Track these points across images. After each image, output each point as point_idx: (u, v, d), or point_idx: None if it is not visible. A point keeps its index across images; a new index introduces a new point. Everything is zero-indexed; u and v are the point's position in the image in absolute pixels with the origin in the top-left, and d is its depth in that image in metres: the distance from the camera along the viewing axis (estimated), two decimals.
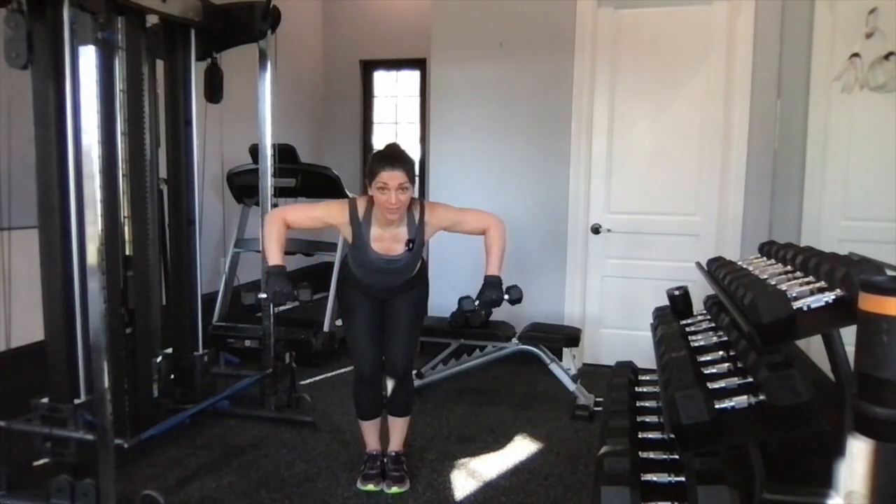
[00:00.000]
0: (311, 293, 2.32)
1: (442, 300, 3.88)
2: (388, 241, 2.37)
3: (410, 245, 2.38)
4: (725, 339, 1.75)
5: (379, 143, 5.75)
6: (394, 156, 2.28)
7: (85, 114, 2.10)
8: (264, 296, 2.28)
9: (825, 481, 1.29)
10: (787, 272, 1.73)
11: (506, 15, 3.97)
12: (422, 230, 2.39)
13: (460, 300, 2.44)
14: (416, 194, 2.46)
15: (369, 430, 2.61)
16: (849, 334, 1.28)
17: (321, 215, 2.40)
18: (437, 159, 4.23)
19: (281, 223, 2.32)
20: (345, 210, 2.36)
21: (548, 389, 3.60)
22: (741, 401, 1.35)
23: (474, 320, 2.45)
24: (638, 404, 1.92)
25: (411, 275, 2.52)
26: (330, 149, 5.90)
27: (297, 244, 4.23)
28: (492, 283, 2.40)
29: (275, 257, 2.29)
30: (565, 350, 3.49)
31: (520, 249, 4.09)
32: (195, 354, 2.92)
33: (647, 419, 1.80)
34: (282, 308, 3.64)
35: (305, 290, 2.32)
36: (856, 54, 3.29)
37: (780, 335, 1.36)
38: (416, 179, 2.40)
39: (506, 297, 2.42)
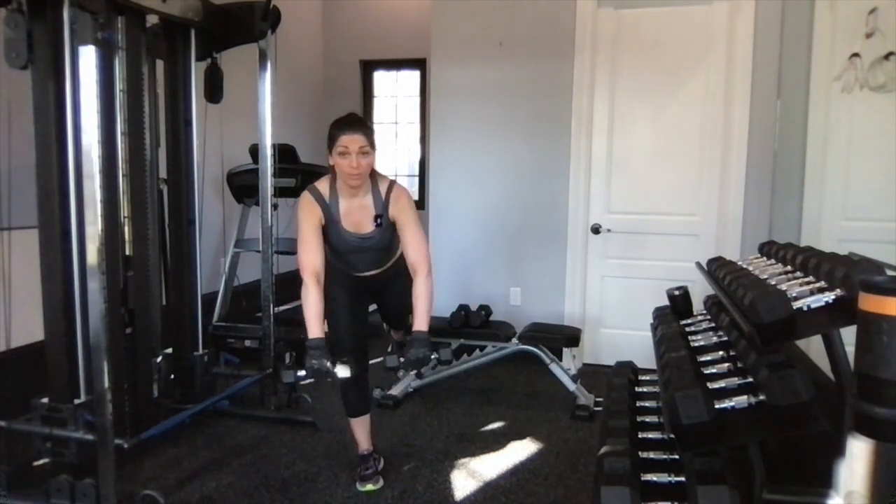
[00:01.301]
0: (349, 369, 2.22)
1: (442, 301, 3.88)
2: (356, 212, 2.35)
3: (378, 220, 2.36)
4: (725, 339, 1.75)
5: (378, 143, 5.74)
6: (352, 120, 2.28)
7: (85, 114, 2.10)
8: (303, 373, 2.21)
9: (825, 481, 1.29)
10: (787, 272, 1.73)
11: (506, 15, 3.97)
12: (387, 205, 2.36)
13: (384, 357, 2.32)
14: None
15: (359, 428, 2.61)
16: (849, 334, 1.28)
17: (310, 224, 2.32)
18: (437, 159, 4.23)
19: (313, 285, 2.25)
20: (311, 200, 2.33)
21: (548, 389, 3.60)
22: (741, 401, 1.35)
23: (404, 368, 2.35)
24: (638, 404, 1.92)
25: (393, 256, 2.51)
26: None
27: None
28: (420, 340, 2.27)
29: (314, 330, 2.23)
30: (565, 350, 3.49)
31: (520, 250, 4.10)
32: (195, 354, 2.92)
33: (647, 419, 1.80)
34: (282, 308, 3.63)
35: (344, 366, 2.22)
36: (856, 54, 3.28)
37: (780, 335, 1.36)
38: (377, 147, 2.35)
39: (434, 356, 2.32)
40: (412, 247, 2.37)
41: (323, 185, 2.37)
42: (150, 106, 2.59)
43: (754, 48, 3.58)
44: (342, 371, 2.23)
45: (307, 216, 2.34)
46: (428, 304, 2.34)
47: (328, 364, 2.19)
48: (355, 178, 2.26)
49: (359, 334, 2.54)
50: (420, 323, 2.32)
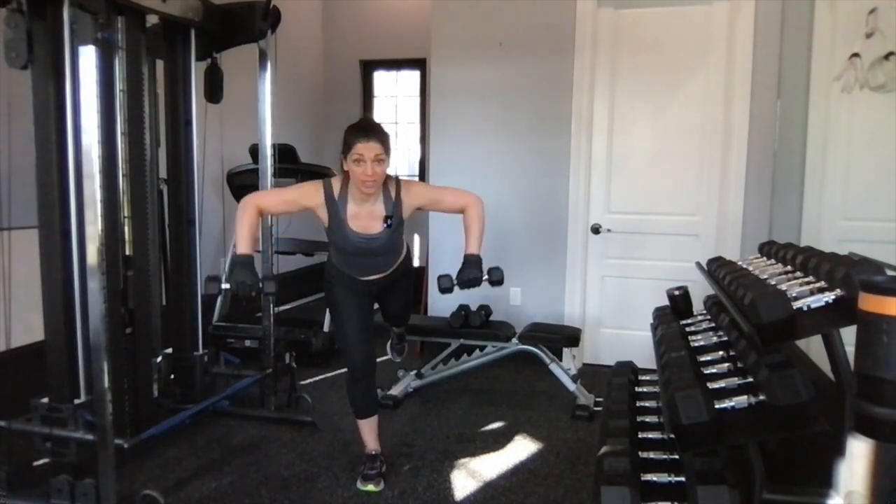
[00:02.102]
0: (275, 285, 2.27)
1: (442, 301, 3.88)
2: (365, 218, 2.35)
3: (388, 221, 2.36)
4: (725, 339, 1.75)
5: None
6: (369, 127, 2.27)
7: (85, 114, 2.10)
8: (227, 286, 2.24)
9: (825, 481, 1.29)
10: (787, 272, 1.73)
11: (506, 15, 3.97)
12: (399, 207, 2.38)
13: (438, 278, 2.42)
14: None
15: (367, 429, 2.61)
16: (849, 334, 1.28)
17: (296, 197, 2.36)
18: (437, 159, 4.23)
19: (254, 210, 2.30)
20: (319, 189, 2.34)
21: (548, 389, 3.60)
22: (741, 401, 1.35)
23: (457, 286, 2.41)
24: (638, 404, 1.92)
25: (397, 260, 2.53)
26: (330, 149, 5.89)
27: (297, 244, 4.24)
28: (471, 262, 2.39)
29: (244, 246, 2.26)
30: (565, 350, 3.49)
31: (520, 249, 4.10)
32: (195, 354, 2.92)
33: (647, 419, 1.80)
34: (282, 308, 3.63)
35: (270, 282, 2.28)
36: (856, 54, 3.28)
37: (780, 335, 1.36)
38: (392, 153, 2.37)
39: (485, 276, 2.39)
40: (453, 201, 2.47)
41: (336, 183, 2.36)
42: (150, 106, 2.59)
43: (754, 48, 3.58)
44: (269, 286, 2.26)
45: (301, 194, 2.36)
46: (479, 228, 2.44)
47: (254, 278, 2.22)
48: (370, 186, 2.26)
49: (366, 335, 2.54)
50: (472, 247, 2.42)
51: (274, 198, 2.41)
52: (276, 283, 2.29)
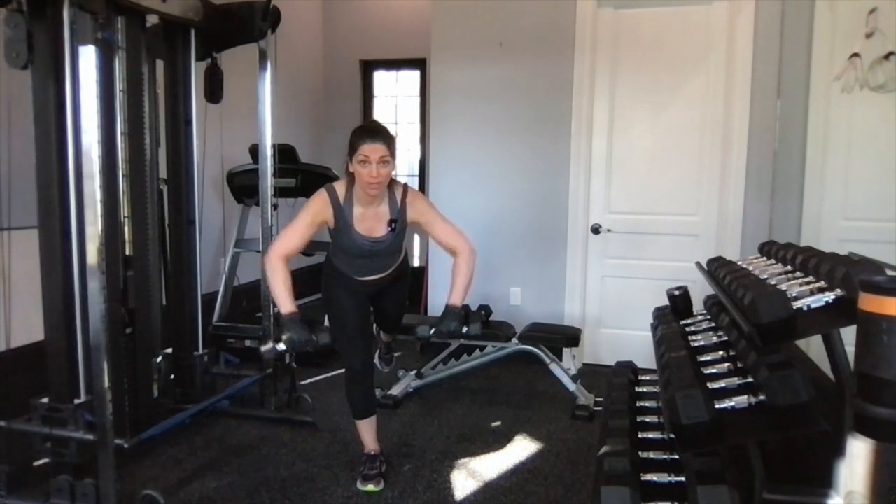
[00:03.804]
0: (329, 336, 2.24)
1: (442, 301, 3.88)
2: (370, 219, 2.35)
3: (393, 225, 2.37)
4: (725, 339, 1.75)
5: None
6: (374, 129, 2.27)
7: (85, 114, 2.10)
8: (283, 347, 2.21)
9: (825, 481, 1.29)
10: (787, 272, 1.73)
11: (506, 15, 3.97)
12: (403, 212, 2.38)
13: (417, 327, 2.44)
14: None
15: (366, 430, 2.61)
16: (849, 334, 1.28)
17: (310, 220, 2.34)
18: (437, 159, 4.23)
19: (279, 263, 2.27)
20: (326, 200, 2.33)
21: (548, 389, 3.60)
22: (741, 401, 1.35)
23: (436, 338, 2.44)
24: (638, 404, 1.92)
25: (396, 262, 2.54)
26: (330, 149, 5.90)
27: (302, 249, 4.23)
28: (452, 314, 2.36)
29: (285, 304, 2.23)
30: (565, 350, 3.49)
31: (520, 249, 4.10)
32: (195, 354, 2.92)
33: (647, 419, 1.79)
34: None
35: (324, 332, 2.23)
36: (856, 54, 3.28)
37: (780, 335, 1.36)
38: (397, 156, 2.37)
39: (464, 329, 2.38)
40: (447, 236, 2.44)
41: (340, 188, 2.36)
42: (150, 106, 2.59)
43: (754, 48, 3.58)
44: (323, 338, 2.23)
45: (313, 212, 2.34)
46: (466, 280, 2.41)
47: (307, 335, 2.20)
48: (375, 188, 2.25)
49: (364, 336, 2.54)
50: (456, 298, 2.39)
51: (291, 234, 2.33)
52: (329, 332, 2.25)
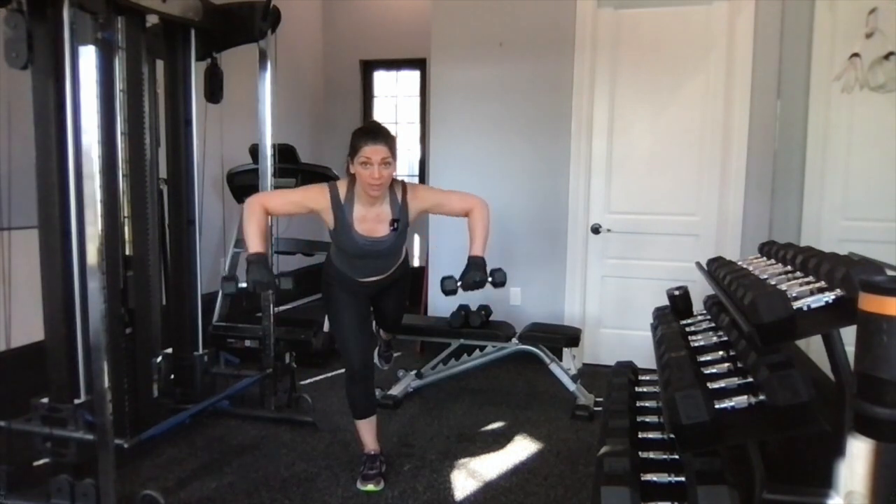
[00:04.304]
0: (292, 281, 2.29)
1: (442, 301, 3.88)
2: (371, 220, 2.36)
3: (395, 225, 2.38)
4: (725, 339, 1.75)
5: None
6: (376, 130, 2.28)
7: (85, 114, 2.10)
8: (245, 285, 2.25)
9: (825, 481, 1.29)
10: (787, 272, 1.73)
11: (506, 15, 3.97)
12: (405, 210, 2.39)
13: (442, 280, 2.44)
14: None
15: (366, 430, 2.61)
16: (849, 334, 1.28)
17: (301, 199, 2.37)
18: (437, 159, 4.23)
19: (260, 210, 2.30)
20: (325, 193, 2.34)
21: (548, 389, 3.60)
22: (741, 401, 1.35)
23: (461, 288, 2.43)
24: (638, 404, 1.92)
25: (396, 262, 2.54)
26: (330, 149, 5.90)
27: (297, 244, 4.24)
28: (475, 264, 2.40)
29: (255, 245, 2.26)
30: (565, 350, 3.49)
31: (520, 249, 4.10)
32: (195, 354, 2.92)
33: (647, 419, 1.80)
34: (282, 308, 3.63)
35: (287, 278, 2.30)
36: (856, 54, 3.28)
37: (780, 335, 1.36)
38: (398, 156, 2.39)
39: (489, 279, 2.40)
40: (458, 203, 2.48)
41: (342, 186, 2.37)
42: (150, 106, 2.59)
43: (754, 48, 3.58)
44: (285, 283, 2.28)
45: (306, 197, 2.37)
46: (484, 230, 2.45)
47: (270, 276, 2.23)
48: (376, 189, 2.26)
49: (364, 336, 2.54)
50: (477, 248, 2.43)
51: (279, 198, 2.41)
52: (292, 278, 2.31)
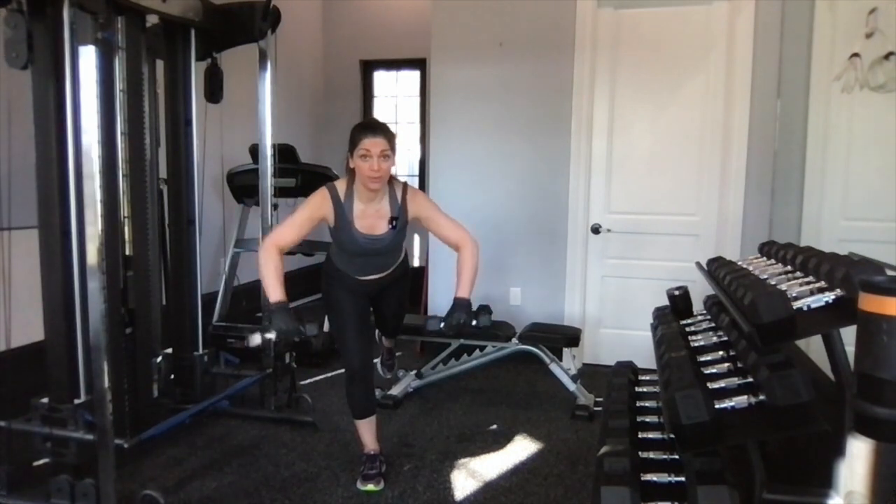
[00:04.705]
0: (318, 327, 2.24)
1: (442, 301, 3.88)
2: (371, 217, 2.37)
3: (394, 223, 2.38)
4: (725, 339, 1.75)
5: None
6: (375, 124, 2.31)
7: (85, 114, 2.10)
8: (270, 336, 2.22)
9: (825, 481, 1.29)
10: (787, 272, 1.73)
11: (506, 15, 3.97)
12: (404, 210, 2.40)
13: (427, 320, 2.46)
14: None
15: (365, 430, 2.61)
16: (849, 334, 1.28)
17: (308, 214, 2.36)
18: (437, 159, 4.23)
19: (274, 252, 2.27)
20: (326, 197, 2.35)
21: (548, 389, 3.60)
22: (741, 401, 1.35)
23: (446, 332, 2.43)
24: (638, 404, 1.92)
25: (396, 261, 2.54)
26: (330, 149, 5.90)
27: (298, 244, 4.24)
28: (461, 306, 2.38)
29: (275, 293, 2.23)
30: (565, 350, 3.49)
31: (520, 249, 4.10)
32: (195, 354, 2.92)
33: (647, 419, 1.79)
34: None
35: (312, 324, 2.24)
36: (856, 54, 3.28)
37: (780, 335, 1.36)
38: (398, 152, 2.39)
39: (474, 322, 2.40)
40: (449, 231, 2.44)
41: (341, 185, 2.38)
42: (150, 106, 2.59)
43: (754, 48, 3.58)
44: (311, 329, 2.23)
45: (313, 207, 2.36)
46: (472, 272, 2.41)
47: (294, 324, 2.20)
48: (375, 182, 2.27)
49: (364, 336, 2.55)
50: (464, 290, 2.39)
51: (288, 228, 2.35)
52: (317, 324, 2.25)
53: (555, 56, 3.90)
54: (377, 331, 3.03)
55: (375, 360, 3.06)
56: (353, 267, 2.49)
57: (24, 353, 2.86)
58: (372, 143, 2.23)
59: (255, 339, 2.26)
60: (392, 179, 2.40)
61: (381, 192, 2.35)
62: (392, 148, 2.28)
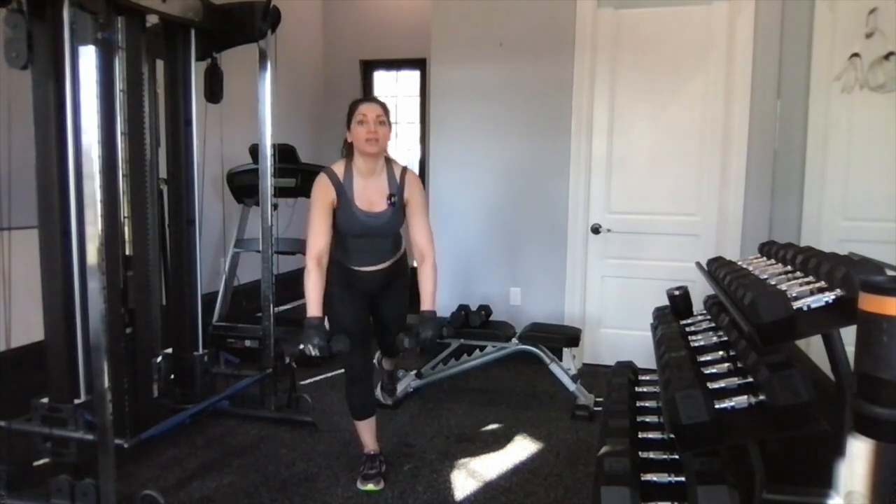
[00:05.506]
0: (347, 343, 2.33)
1: (442, 301, 3.87)
2: (371, 191, 2.40)
3: (392, 199, 2.41)
4: (725, 339, 1.75)
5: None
6: (370, 96, 2.40)
7: (85, 114, 2.10)
8: (302, 347, 2.32)
9: (825, 481, 1.29)
10: (787, 272, 1.73)
11: (506, 15, 3.97)
12: (402, 188, 2.44)
13: (401, 337, 2.47)
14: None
15: (365, 430, 2.61)
16: (849, 334, 1.28)
17: (321, 207, 2.38)
18: (437, 159, 4.23)
19: (314, 267, 2.34)
20: (326, 181, 2.38)
21: (548, 389, 3.60)
22: (741, 401, 1.35)
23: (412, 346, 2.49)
24: (638, 404, 1.92)
25: (394, 253, 2.54)
26: (330, 149, 5.89)
27: (297, 244, 4.24)
28: (430, 320, 2.44)
29: (313, 309, 2.33)
30: (565, 350, 3.49)
31: (520, 249, 4.10)
32: (195, 354, 2.92)
33: (647, 419, 1.80)
34: (282, 308, 3.63)
35: (342, 340, 2.35)
36: (856, 54, 3.28)
37: (780, 335, 1.36)
38: (394, 127, 2.48)
39: (443, 332, 2.49)
40: (421, 231, 2.48)
41: (338, 166, 2.42)
42: (150, 106, 2.59)
43: (754, 48, 3.58)
44: (339, 345, 2.33)
45: (320, 198, 2.39)
46: (434, 286, 2.49)
47: (324, 341, 2.30)
48: (373, 144, 2.30)
49: (364, 337, 2.55)
50: (430, 303, 2.47)
51: (314, 234, 2.37)
52: (347, 342, 2.34)
53: (555, 56, 3.91)
54: (377, 353, 3.04)
55: (376, 366, 3.06)
56: (352, 253, 2.48)
57: (24, 353, 2.86)
58: (368, 109, 2.32)
59: (292, 348, 2.40)
60: (390, 159, 2.46)
61: (379, 168, 2.40)
62: (387, 115, 2.36)
